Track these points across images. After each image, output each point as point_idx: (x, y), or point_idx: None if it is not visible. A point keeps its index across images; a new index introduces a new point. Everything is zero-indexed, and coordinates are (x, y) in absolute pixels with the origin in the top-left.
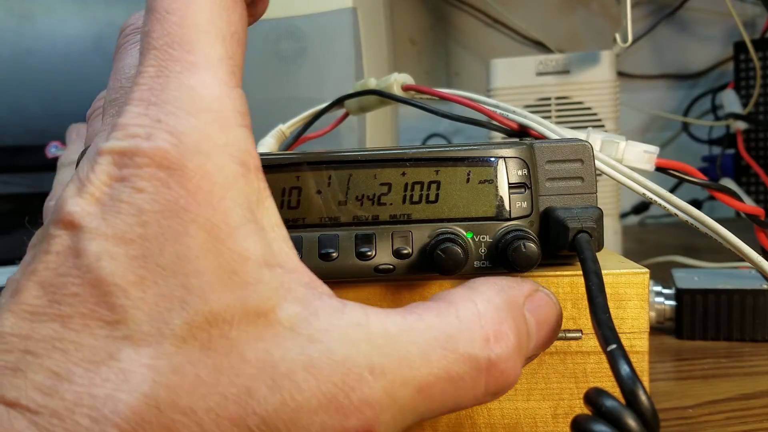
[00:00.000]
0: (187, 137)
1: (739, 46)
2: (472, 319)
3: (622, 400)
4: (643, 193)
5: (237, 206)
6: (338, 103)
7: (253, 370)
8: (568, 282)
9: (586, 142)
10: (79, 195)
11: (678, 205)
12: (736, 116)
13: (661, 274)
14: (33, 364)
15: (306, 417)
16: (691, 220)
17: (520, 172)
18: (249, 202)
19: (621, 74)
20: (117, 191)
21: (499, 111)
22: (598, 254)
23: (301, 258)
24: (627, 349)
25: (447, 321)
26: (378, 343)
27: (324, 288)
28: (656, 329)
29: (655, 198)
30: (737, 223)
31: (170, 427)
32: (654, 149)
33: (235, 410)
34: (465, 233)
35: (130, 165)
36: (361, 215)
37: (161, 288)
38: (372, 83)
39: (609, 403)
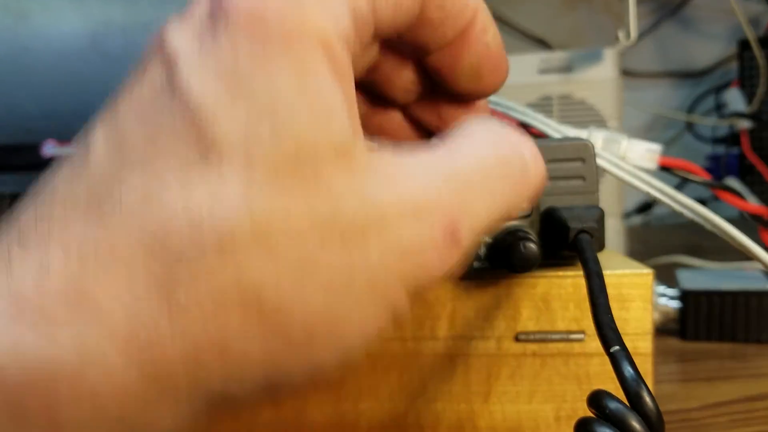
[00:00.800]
0: None
1: (744, 44)
2: (506, 130)
3: (627, 403)
4: (648, 191)
5: (337, 40)
6: None
7: (340, 192)
8: (571, 283)
9: (587, 140)
10: (180, 23)
11: (683, 203)
12: (741, 115)
13: (665, 275)
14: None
15: (393, 221)
16: (696, 218)
17: None
18: (341, 44)
19: (624, 72)
20: (217, 22)
21: (500, 109)
22: (602, 255)
23: None
24: (630, 350)
25: (491, 128)
26: (445, 166)
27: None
28: (660, 330)
29: (659, 196)
30: (741, 224)
31: (264, 244)
32: (657, 147)
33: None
34: None
35: None
36: None
37: (251, 111)
38: None
39: (613, 405)
